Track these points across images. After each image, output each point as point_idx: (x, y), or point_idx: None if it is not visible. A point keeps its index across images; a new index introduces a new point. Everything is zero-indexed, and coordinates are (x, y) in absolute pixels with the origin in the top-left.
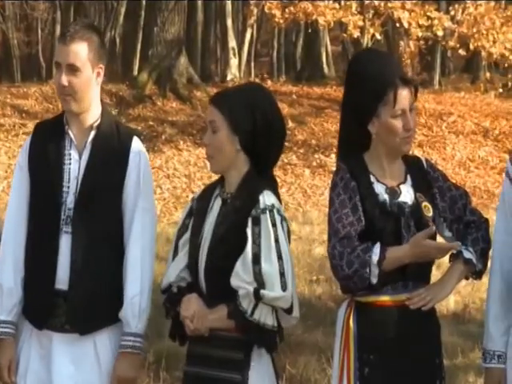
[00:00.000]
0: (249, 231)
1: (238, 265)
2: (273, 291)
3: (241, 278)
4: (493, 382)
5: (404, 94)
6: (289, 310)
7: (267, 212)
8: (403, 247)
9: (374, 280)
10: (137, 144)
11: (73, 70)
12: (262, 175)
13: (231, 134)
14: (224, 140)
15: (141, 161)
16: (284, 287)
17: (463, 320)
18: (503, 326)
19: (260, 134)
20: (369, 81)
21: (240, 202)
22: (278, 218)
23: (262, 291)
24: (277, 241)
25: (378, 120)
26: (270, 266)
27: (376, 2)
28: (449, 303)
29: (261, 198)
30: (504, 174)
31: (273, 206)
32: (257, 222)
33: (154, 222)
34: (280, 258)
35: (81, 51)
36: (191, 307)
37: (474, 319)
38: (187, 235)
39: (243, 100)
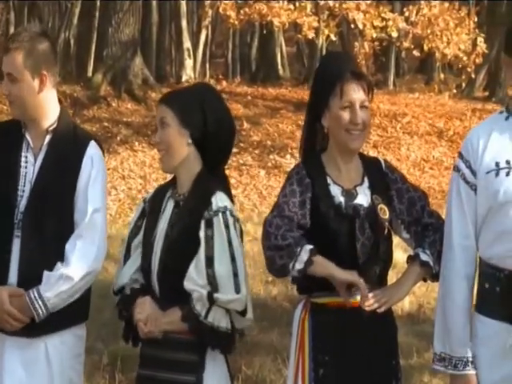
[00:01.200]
0: (202, 234)
1: (192, 268)
2: (226, 294)
3: (194, 281)
4: None
5: (352, 87)
6: (243, 312)
7: (220, 214)
8: (336, 269)
9: (299, 265)
10: (93, 148)
11: (10, 79)
12: (213, 174)
13: (182, 128)
14: (175, 133)
15: (94, 164)
16: (238, 289)
17: (418, 320)
18: (469, 331)
19: (210, 131)
20: (322, 76)
21: (193, 204)
22: (230, 220)
23: (215, 294)
24: (230, 243)
25: (329, 112)
26: (223, 269)
27: (331, 3)
28: (404, 304)
29: (213, 199)
30: (457, 176)
31: (225, 207)
32: (209, 225)
33: (104, 222)
34: (233, 260)
35: (16, 60)
36: (145, 310)
37: (429, 319)
38: (140, 237)
39: (193, 97)
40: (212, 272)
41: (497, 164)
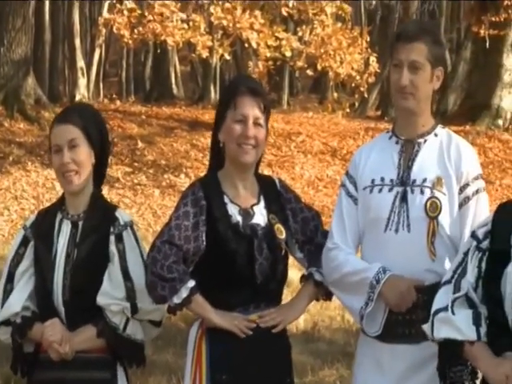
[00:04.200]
0: (113, 249)
1: (106, 283)
2: (147, 305)
3: (111, 295)
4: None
5: (246, 101)
6: (160, 323)
7: (128, 228)
8: (211, 312)
9: (177, 300)
10: None
11: None
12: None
13: (89, 148)
14: (86, 153)
15: None
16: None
17: (313, 338)
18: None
19: (105, 150)
20: (223, 93)
21: (97, 221)
22: (137, 233)
23: (139, 305)
24: (142, 255)
25: (224, 125)
26: (140, 281)
27: (224, 23)
28: (298, 322)
29: (117, 215)
30: (342, 190)
31: (131, 222)
32: (120, 239)
33: None
34: (146, 272)
35: None
36: (58, 331)
37: (324, 337)
38: (25, 264)
39: (92, 118)
40: (131, 284)
41: (372, 181)
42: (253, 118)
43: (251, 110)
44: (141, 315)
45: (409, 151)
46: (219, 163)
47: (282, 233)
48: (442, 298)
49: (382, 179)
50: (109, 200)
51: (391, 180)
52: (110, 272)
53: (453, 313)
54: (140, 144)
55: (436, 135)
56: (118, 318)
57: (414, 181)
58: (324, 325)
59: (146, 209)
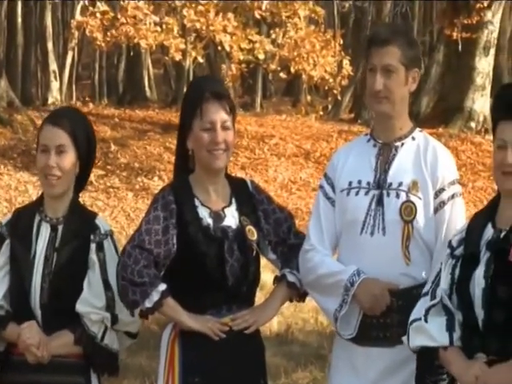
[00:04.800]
0: (94, 257)
1: (86, 291)
2: (126, 316)
3: (91, 303)
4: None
5: (212, 107)
6: (135, 335)
7: (109, 237)
8: (184, 315)
9: (148, 304)
10: None
11: None
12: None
13: (76, 156)
14: (72, 161)
15: None
16: (132, 312)
17: (286, 341)
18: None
19: (90, 159)
20: (185, 98)
21: (77, 227)
22: (117, 243)
23: (120, 316)
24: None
25: (192, 134)
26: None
27: (198, 25)
28: (272, 324)
29: (98, 223)
30: (320, 192)
31: (111, 231)
32: (101, 248)
33: None
34: (117, 277)
35: None
36: (35, 334)
37: (297, 340)
38: (1, 261)
39: (82, 126)
40: (111, 294)
41: (349, 183)
42: (220, 122)
43: (218, 115)
44: (120, 326)
45: (386, 154)
46: (187, 168)
47: (253, 234)
48: (419, 308)
49: (359, 182)
50: (82, 203)
51: (368, 183)
52: (90, 280)
53: (426, 321)
54: (113, 147)
55: (413, 139)
56: (97, 327)
57: (391, 184)
58: (297, 327)
59: (119, 212)
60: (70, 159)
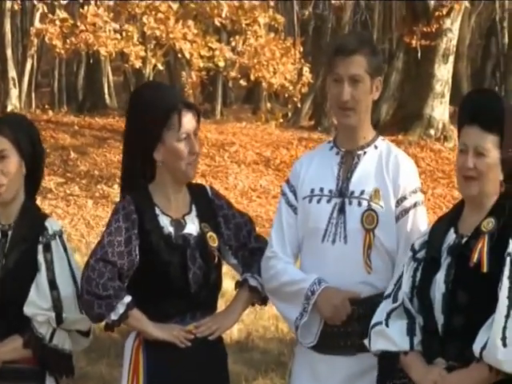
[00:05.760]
0: (41, 258)
1: (32, 292)
2: (73, 314)
3: (37, 305)
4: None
5: (188, 118)
6: (87, 333)
7: (57, 237)
8: (149, 326)
9: (114, 317)
10: None
11: None
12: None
13: (20, 158)
14: (16, 165)
15: None
16: (81, 310)
17: (247, 348)
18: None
19: (38, 161)
20: (151, 108)
21: (26, 231)
22: (66, 243)
23: (64, 315)
24: (70, 265)
25: (164, 146)
26: (67, 291)
27: (157, 33)
28: (232, 332)
29: (47, 224)
30: (282, 199)
31: (61, 231)
32: (48, 249)
33: None
34: (75, 281)
35: None
36: None
37: (258, 347)
38: None
39: (23, 127)
40: (57, 294)
41: (312, 190)
42: (193, 132)
43: (191, 125)
44: (66, 325)
45: (348, 163)
46: (136, 179)
47: (214, 241)
48: (381, 311)
49: (321, 189)
50: (37, 206)
51: (330, 191)
52: (38, 282)
53: (387, 325)
54: (73, 154)
55: (376, 147)
56: (45, 328)
57: (353, 192)
58: (258, 334)
59: (79, 219)
60: (12, 164)
